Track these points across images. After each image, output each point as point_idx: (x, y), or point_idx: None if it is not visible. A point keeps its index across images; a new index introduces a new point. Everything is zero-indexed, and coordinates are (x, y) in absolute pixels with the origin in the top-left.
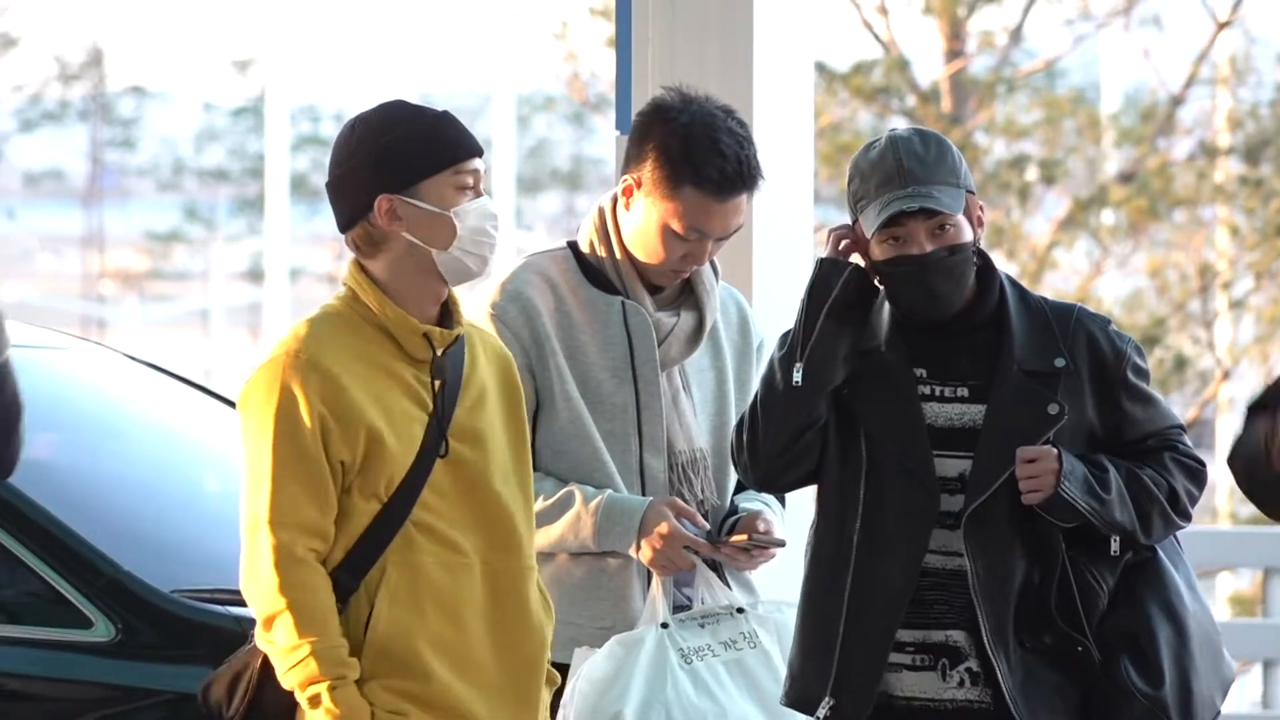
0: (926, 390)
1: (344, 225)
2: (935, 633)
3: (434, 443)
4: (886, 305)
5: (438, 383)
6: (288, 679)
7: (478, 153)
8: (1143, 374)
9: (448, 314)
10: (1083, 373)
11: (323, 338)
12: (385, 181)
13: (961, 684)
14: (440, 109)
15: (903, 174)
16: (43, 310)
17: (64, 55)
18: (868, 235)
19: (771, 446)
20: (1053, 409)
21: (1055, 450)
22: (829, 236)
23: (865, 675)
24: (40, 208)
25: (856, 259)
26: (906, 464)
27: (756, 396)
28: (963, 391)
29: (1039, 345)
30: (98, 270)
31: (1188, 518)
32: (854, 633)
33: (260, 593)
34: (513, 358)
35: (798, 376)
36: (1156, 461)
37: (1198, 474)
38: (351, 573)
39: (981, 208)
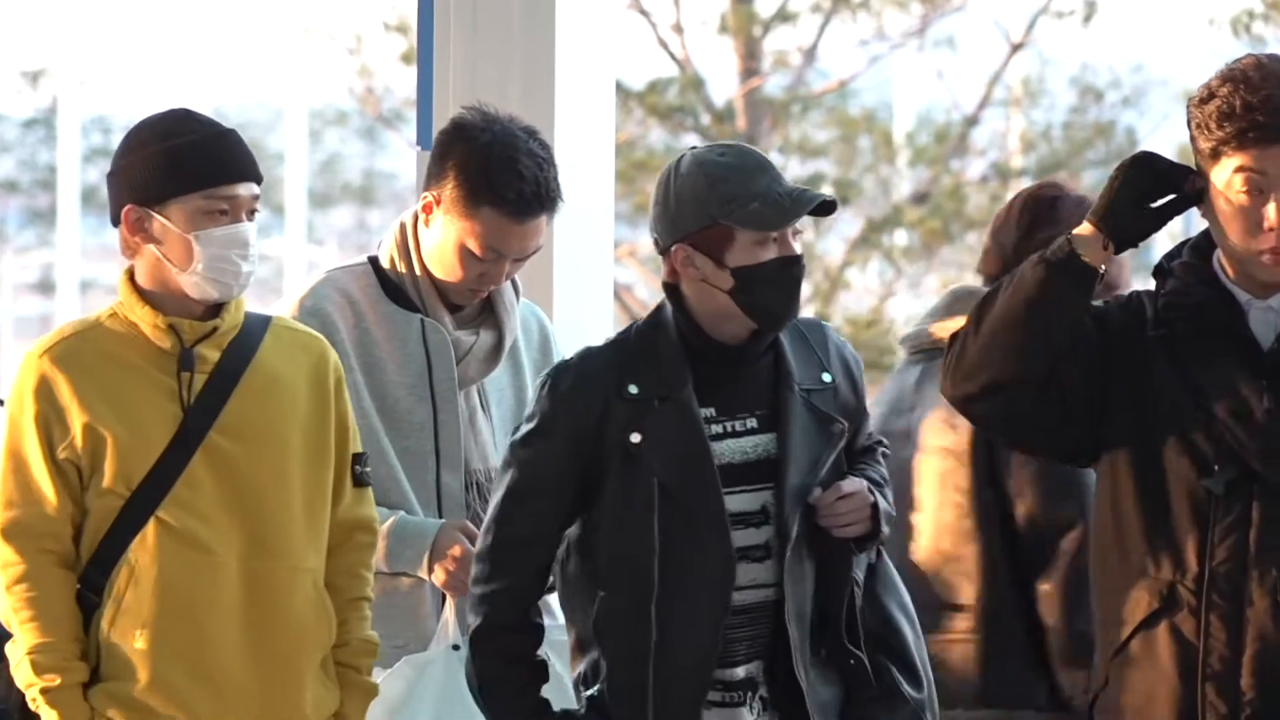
0: (718, 429)
1: (113, 223)
2: (737, 670)
3: (188, 438)
4: (671, 347)
5: (186, 375)
6: (16, 677)
7: (241, 178)
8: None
9: (221, 312)
10: (841, 386)
11: (65, 336)
12: (134, 193)
13: (759, 714)
14: (225, 127)
15: (774, 173)
16: None
17: None
18: (746, 234)
19: None
20: (836, 428)
21: (866, 484)
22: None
23: None
24: None
25: None
26: (699, 513)
27: None
28: (752, 423)
29: (805, 362)
30: None
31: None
32: (664, 694)
33: None
34: (337, 360)
35: None
36: (871, 456)
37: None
38: (100, 570)
39: None
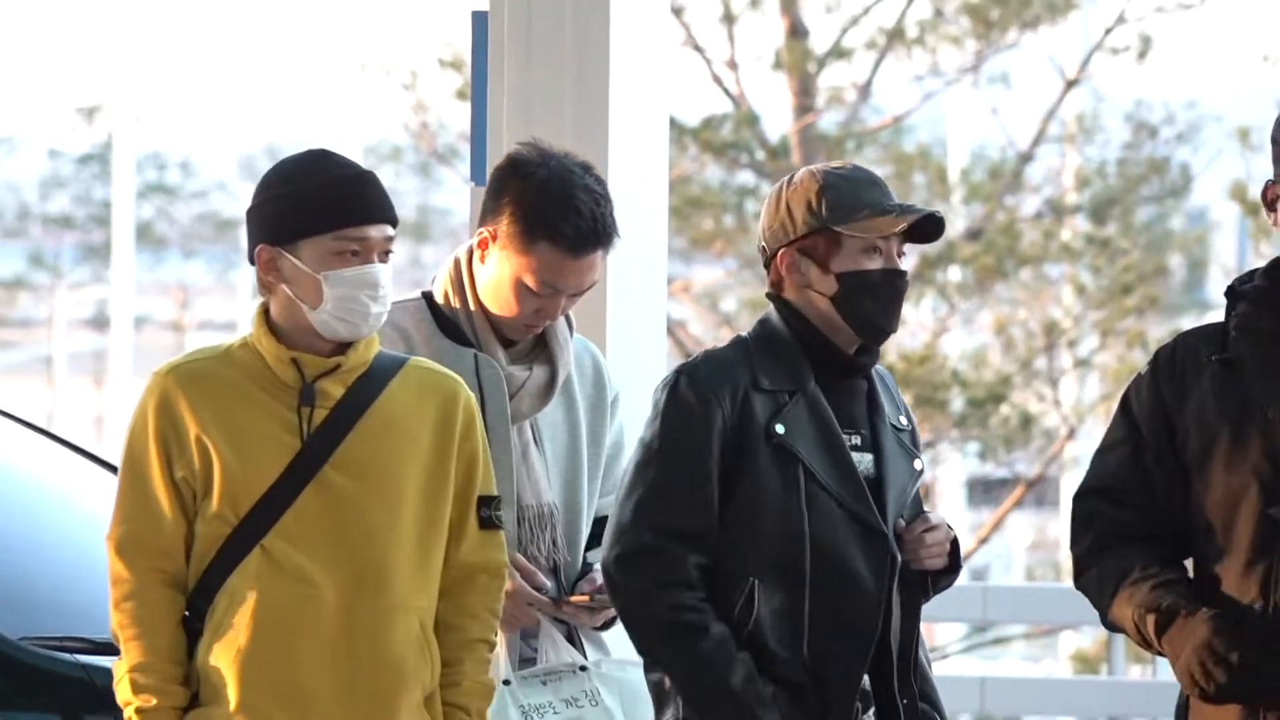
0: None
1: (249, 262)
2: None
3: (302, 470)
4: (787, 346)
5: (306, 410)
6: (116, 694)
7: (372, 220)
8: None
9: (347, 350)
10: (907, 433)
11: (193, 359)
12: (267, 233)
13: None
14: (361, 169)
15: (885, 188)
16: None
17: None
18: (853, 241)
19: None
20: (918, 464)
21: (947, 522)
22: None
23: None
24: None
25: None
26: (855, 511)
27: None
28: (856, 440)
29: (890, 402)
30: None
31: None
32: (823, 677)
33: (110, 607)
34: (470, 401)
35: None
36: None
37: None
38: (204, 595)
39: None
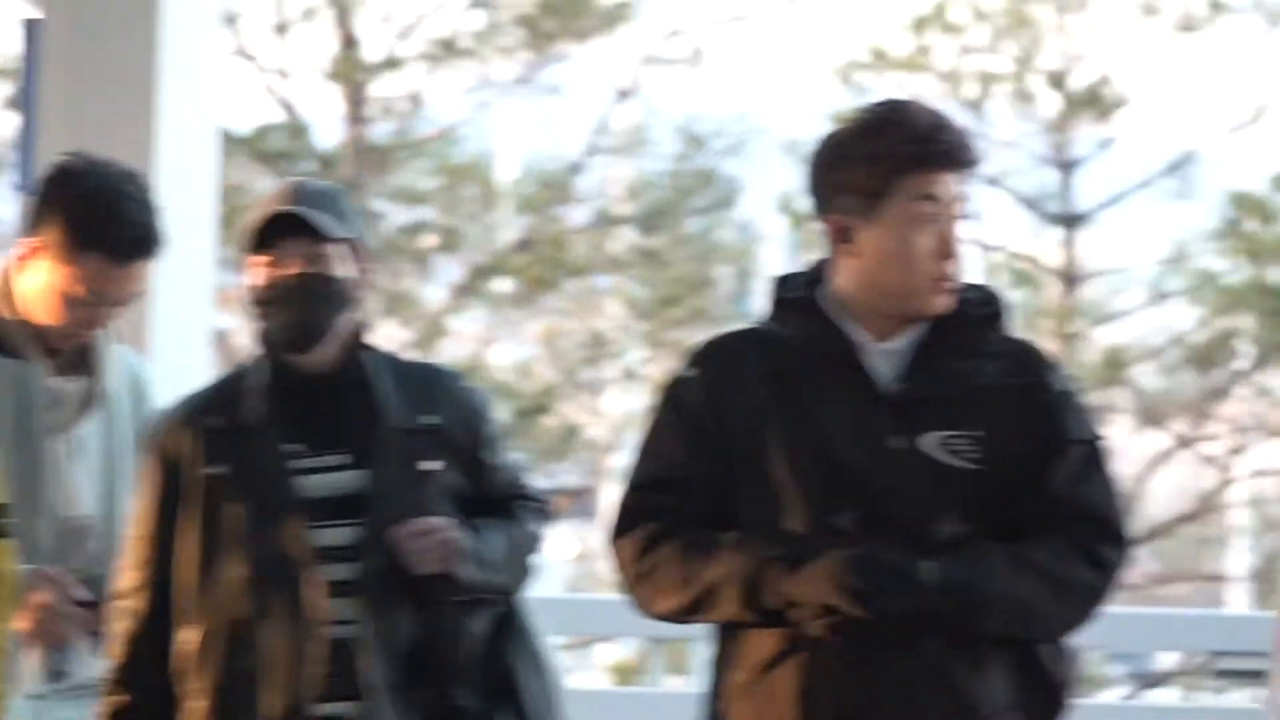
0: (309, 464)
1: None
2: (323, 706)
3: None
4: (257, 379)
5: None
6: None
7: None
8: (497, 431)
9: None
10: (451, 429)
11: None
12: None
13: None
14: None
15: (285, 198)
16: None
17: None
18: (252, 266)
19: None
20: (428, 468)
21: (451, 524)
22: None
23: None
24: None
25: None
26: (286, 543)
27: None
28: (344, 459)
29: (406, 403)
30: None
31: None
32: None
33: None
34: None
35: None
36: (509, 508)
37: (547, 514)
38: None
39: (369, 271)
